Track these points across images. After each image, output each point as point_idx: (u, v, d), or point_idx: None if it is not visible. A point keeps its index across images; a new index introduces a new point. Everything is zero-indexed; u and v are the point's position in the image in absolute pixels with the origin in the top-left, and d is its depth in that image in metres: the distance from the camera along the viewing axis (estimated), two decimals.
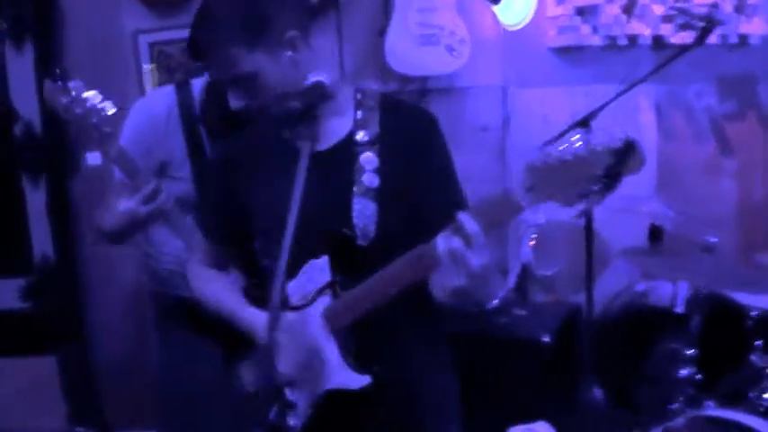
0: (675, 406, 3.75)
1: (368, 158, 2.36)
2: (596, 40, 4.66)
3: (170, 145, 3.27)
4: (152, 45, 4.45)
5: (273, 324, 2.25)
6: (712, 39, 4.23)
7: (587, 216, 3.79)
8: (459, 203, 2.38)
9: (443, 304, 2.18)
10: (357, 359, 2.35)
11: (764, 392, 3.51)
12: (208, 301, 2.68)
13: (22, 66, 4.77)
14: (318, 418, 2.43)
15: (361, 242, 2.34)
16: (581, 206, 1.92)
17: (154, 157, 3.22)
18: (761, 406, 3.45)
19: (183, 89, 3.31)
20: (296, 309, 2.43)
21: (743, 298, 3.92)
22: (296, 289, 2.41)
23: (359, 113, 2.41)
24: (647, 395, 4.24)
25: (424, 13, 4.21)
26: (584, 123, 3.79)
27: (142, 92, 4.64)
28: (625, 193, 4.49)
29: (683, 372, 3.88)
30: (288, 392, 2.45)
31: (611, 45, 4.69)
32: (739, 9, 4.77)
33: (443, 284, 2.07)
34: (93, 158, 4.56)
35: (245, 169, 2.52)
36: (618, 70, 4.56)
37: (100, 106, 2.87)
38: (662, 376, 4.15)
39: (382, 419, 2.48)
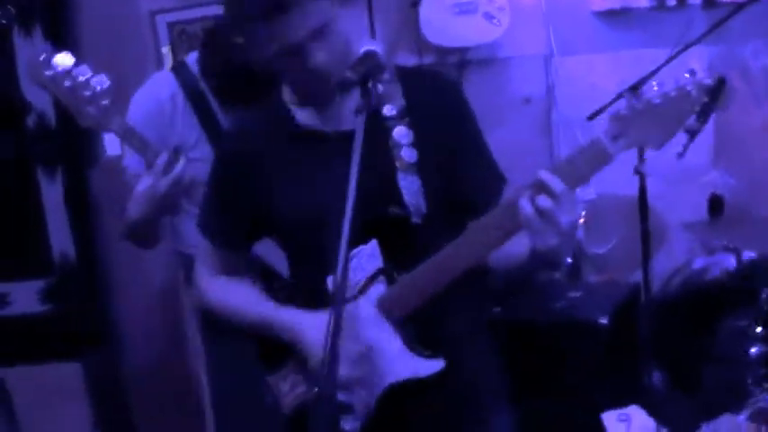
0: (747, 388, 3.67)
1: (401, 132, 2.35)
2: (643, 1, 4.63)
3: (181, 127, 3.26)
4: (171, 25, 4.41)
5: (337, 326, 2.04)
6: None
7: (641, 188, 3.78)
8: (497, 171, 2.47)
9: (502, 275, 2.23)
10: (424, 345, 2.32)
11: None
12: (233, 313, 2.60)
13: (32, 53, 4.64)
14: (378, 417, 2.41)
15: (415, 220, 2.32)
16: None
17: (167, 145, 3.18)
18: None
19: (180, 69, 3.30)
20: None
21: None
22: None
23: (379, 87, 2.32)
24: (713, 377, 4.20)
25: None
26: (633, 90, 3.79)
27: None
28: (682, 162, 4.54)
29: (754, 350, 3.82)
30: (340, 396, 2.38)
31: (660, 5, 4.66)
32: None
33: (534, 245, 2.11)
34: (112, 147, 4.49)
35: (263, 161, 2.44)
36: (667, 32, 4.49)
37: (92, 80, 2.87)
38: (730, 356, 4.11)
39: (442, 407, 2.46)
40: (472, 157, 2.45)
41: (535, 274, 3.51)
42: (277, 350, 2.50)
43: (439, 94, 2.45)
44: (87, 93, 2.86)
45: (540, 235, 2.05)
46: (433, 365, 2.31)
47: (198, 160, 3.20)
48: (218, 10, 4.21)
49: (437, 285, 2.25)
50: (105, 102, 2.90)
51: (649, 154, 3.70)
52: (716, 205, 4.03)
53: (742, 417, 2.73)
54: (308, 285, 2.46)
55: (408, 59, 4.38)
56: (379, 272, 2.33)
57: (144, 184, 3.01)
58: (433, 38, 4.29)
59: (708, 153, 4.83)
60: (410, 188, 2.32)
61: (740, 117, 4.83)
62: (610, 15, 4.66)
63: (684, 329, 4.42)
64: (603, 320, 3.94)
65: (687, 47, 3.94)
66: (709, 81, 1.95)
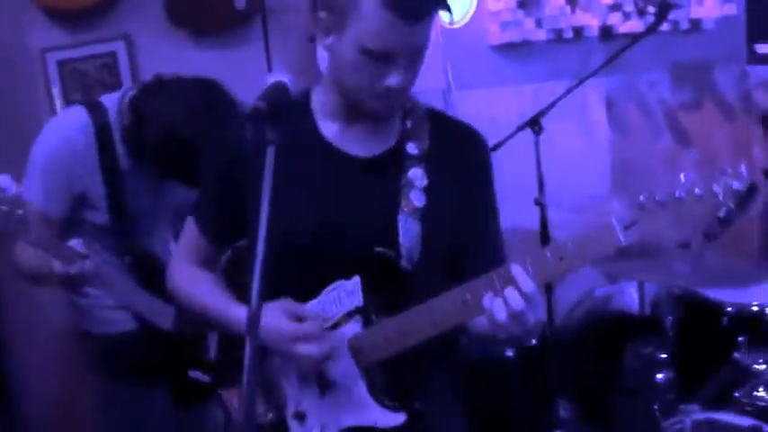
0: (655, 415, 3.79)
1: (417, 174, 2.26)
2: (541, 35, 4.69)
3: (91, 171, 3.09)
4: (61, 63, 4.28)
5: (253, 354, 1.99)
6: (663, 26, 4.29)
7: (542, 219, 3.82)
8: (500, 243, 2.38)
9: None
10: (389, 396, 2.25)
11: (755, 390, 3.54)
12: (195, 303, 2.49)
13: None
14: None
15: (404, 265, 2.21)
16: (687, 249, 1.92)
17: (75, 188, 3.05)
18: (750, 405, 3.47)
19: (95, 108, 3.12)
20: None
21: (716, 294, 3.94)
22: (316, 311, 2.25)
23: (408, 122, 2.31)
24: (622, 408, 4.28)
25: None
26: (533, 123, 3.84)
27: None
28: (580, 191, 4.61)
29: (660, 376, 3.92)
30: (293, 426, 2.34)
31: (557, 38, 4.73)
32: None
33: (494, 335, 2.04)
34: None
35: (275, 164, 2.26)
36: (566, 65, 4.60)
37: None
38: (637, 385, 4.20)
39: None
40: (481, 220, 2.37)
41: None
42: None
43: (466, 146, 2.37)
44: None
45: (499, 329, 1.99)
46: (394, 418, 2.23)
47: (103, 208, 3.13)
48: (109, 47, 4.17)
49: (416, 338, 2.16)
50: (20, 212, 2.73)
51: (548, 184, 3.78)
52: None
53: None
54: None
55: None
56: (357, 310, 2.24)
57: (40, 263, 2.88)
58: None
59: (607, 182, 4.93)
60: (408, 232, 2.22)
61: (638, 147, 4.96)
62: (508, 49, 4.69)
63: (590, 359, 4.49)
64: (509, 353, 3.97)
65: (584, 79, 4.00)
66: (740, 186, 1.81)
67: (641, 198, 1.87)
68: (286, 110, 2.06)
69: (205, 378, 3.37)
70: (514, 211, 3.02)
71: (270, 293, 2.20)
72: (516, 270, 1.95)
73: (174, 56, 4.23)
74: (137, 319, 3.24)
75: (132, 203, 3.17)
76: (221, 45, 4.32)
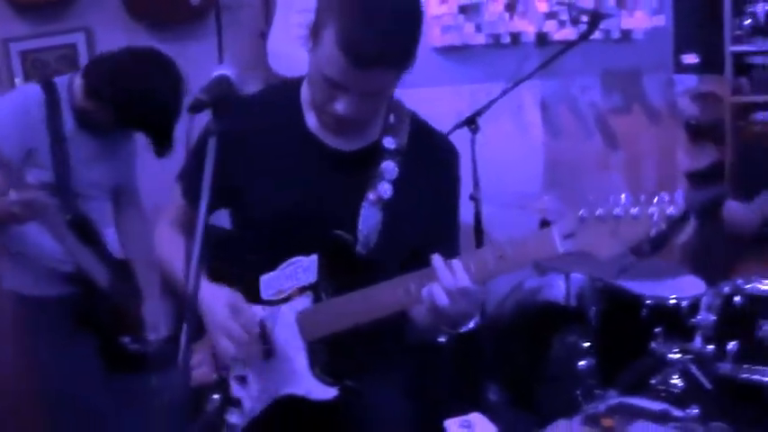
0: (577, 400, 3.91)
1: (388, 167, 2.33)
2: (480, 39, 4.84)
3: (40, 132, 3.29)
4: (24, 53, 4.31)
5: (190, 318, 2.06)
6: (596, 34, 4.43)
7: (477, 214, 3.95)
8: (455, 244, 2.46)
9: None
10: (325, 371, 2.32)
11: (669, 378, 3.68)
12: (165, 262, 2.54)
13: None
14: (263, 421, 2.39)
15: (359, 250, 2.31)
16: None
17: (26, 142, 3.24)
18: (664, 392, 3.60)
19: (48, 84, 3.35)
20: (265, 303, 2.37)
21: (637, 287, 4.09)
22: (271, 282, 2.35)
23: (391, 117, 2.38)
24: (547, 394, 4.41)
25: (305, 13, 4.25)
26: (470, 122, 3.97)
27: None
28: (513, 189, 4.72)
29: (582, 364, 4.05)
30: (235, 388, 2.40)
31: (496, 43, 4.87)
32: (622, 4, 5.06)
33: (433, 324, 2.19)
34: None
35: (261, 146, 2.38)
36: (503, 68, 4.72)
37: None
38: (561, 372, 4.34)
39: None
40: (443, 219, 2.46)
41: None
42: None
43: (439, 152, 2.45)
44: None
45: (429, 318, 2.14)
46: (326, 392, 2.30)
47: (48, 167, 3.29)
48: (70, 39, 4.24)
49: (358, 319, 2.24)
50: None
51: (483, 180, 3.91)
52: None
53: (575, 421, 2.85)
54: (246, 275, 2.41)
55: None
56: (310, 287, 2.31)
57: None
58: (280, 68, 4.32)
59: (540, 181, 5.07)
60: (368, 220, 2.31)
61: (570, 148, 5.13)
62: (449, 51, 4.83)
63: (519, 347, 4.62)
64: (442, 339, 4.04)
65: (519, 82, 4.12)
66: (674, 212, 1.91)
67: (582, 212, 1.96)
68: (235, 101, 2.14)
69: (135, 346, 3.48)
70: None
71: (237, 262, 2.41)
72: (457, 265, 2.06)
73: None
74: (72, 281, 3.34)
75: (75, 168, 3.35)
76: (177, 39, 4.31)
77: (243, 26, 4.46)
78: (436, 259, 2.10)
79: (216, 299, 2.30)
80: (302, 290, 2.32)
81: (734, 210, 4.34)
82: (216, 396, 2.35)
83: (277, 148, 2.36)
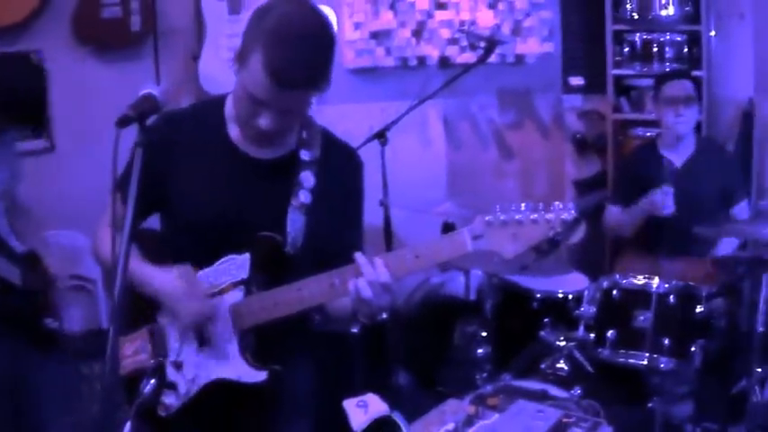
0: (476, 382, 4.15)
1: (307, 176, 2.45)
2: (390, 62, 5.11)
3: None
4: None
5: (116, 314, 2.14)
6: (493, 58, 4.66)
7: (386, 218, 4.07)
8: (361, 243, 2.59)
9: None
10: (256, 357, 2.44)
11: (557, 362, 3.93)
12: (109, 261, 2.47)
13: None
14: (195, 402, 2.47)
15: (288, 249, 2.43)
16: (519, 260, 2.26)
17: None
18: (552, 375, 3.84)
19: None
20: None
21: (529, 282, 4.42)
22: (207, 277, 2.44)
23: (304, 133, 2.49)
24: (451, 375, 4.68)
25: (233, 39, 4.39)
26: (380, 135, 4.11)
27: None
28: (420, 196, 4.95)
29: (481, 351, 4.32)
30: (171, 373, 2.46)
31: (403, 65, 5.15)
32: (516, 32, 5.37)
33: (353, 313, 2.37)
34: None
35: (188, 155, 2.47)
36: (409, 87, 4.90)
37: None
38: (463, 357, 4.61)
39: (255, 413, 2.57)
40: (352, 221, 2.62)
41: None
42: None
43: (349, 160, 2.62)
44: None
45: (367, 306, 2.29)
46: (256, 375, 2.42)
47: None
48: None
49: (286, 310, 2.38)
50: None
51: (392, 188, 4.10)
52: (448, 231, 4.35)
53: (465, 401, 2.96)
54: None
55: None
56: (242, 282, 2.42)
57: None
58: (210, 87, 4.44)
59: (443, 187, 5.34)
60: (294, 223, 2.44)
61: (469, 158, 5.45)
62: (361, 72, 5.09)
63: (425, 336, 4.87)
64: (355, 330, 4.29)
65: (424, 100, 4.31)
66: (569, 218, 2.16)
67: (489, 217, 2.19)
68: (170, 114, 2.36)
69: (54, 324, 3.56)
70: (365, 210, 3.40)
71: (175, 261, 2.46)
72: (379, 262, 2.25)
73: (78, 69, 4.37)
74: None
75: None
76: (119, 60, 4.43)
77: (177, 50, 4.59)
78: (359, 257, 2.27)
79: (167, 274, 2.41)
80: (235, 284, 2.43)
81: (614, 213, 4.68)
82: (152, 380, 2.37)
83: (203, 156, 2.46)
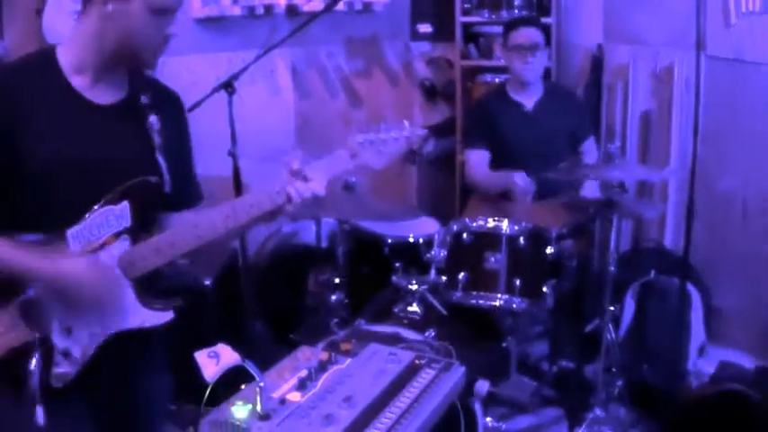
0: (331, 328, 4.10)
1: (154, 119, 2.44)
2: (237, 11, 4.95)
3: None
4: None
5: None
6: (341, 6, 4.66)
7: (235, 168, 4.00)
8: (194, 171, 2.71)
9: None
10: (158, 299, 2.43)
11: (408, 306, 3.90)
12: None
13: None
14: (94, 363, 2.38)
15: (167, 190, 2.45)
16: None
17: None
18: (405, 318, 3.82)
19: None
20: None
21: (379, 228, 4.40)
22: (79, 235, 2.32)
23: (135, 78, 2.49)
24: (306, 322, 4.68)
25: None
26: (227, 85, 4.00)
27: None
28: (268, 144, 4.88)
29: (335, 297, 4.27)
30: (60, 340, 2.34)
31: (250, 14, 4.99)
32: None
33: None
34: None
35: (29, 109, 2.34)
36: (257, 37, 4.77)
37: None
38: (317, 304, 4.61)
39: (154, 355, 2.61)
40: (190, 157, 2.67)
41: None
42: None
43: (177, 106, 2.65)
44: None
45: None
46: (161, 317, 2.43)
47: None
48: None
49: (184, 249, 2.39)
50: None
51: (241, 138, 4.02)
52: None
53: (318, 347, 2.81)
54: (45, 237, 2.35)
55: None
56: (126, 231, 2.37)
57: None
58: (54, 40, 4.13)
59: (292, 136, 5.30)
60: (162, 164, 2.45)
61: (318, 107, 5.38)
62: (208, 22, 4.92)
63: (279, 285, 4.84)
64: (207, 282, 4.22)
65: (270, 48, 4.22)
66: (423, 133, 2.52)
67: (360, 138, 2.47)
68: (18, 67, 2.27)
69: None
70: (211, 161, 3.27)
71: (41, 218, 2.34)
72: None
73: None
74: None
75: None
76: None
77: (19, 4, 4.30)
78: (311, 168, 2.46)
79: (77, 266, 2.29)
80: (117, 234, 2.36)
81: (476, 159, 4.71)
82: (36, 354, 2.25)
83: (50, 109, 2.36)
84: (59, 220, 2.31)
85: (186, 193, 2.59)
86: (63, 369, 2.35)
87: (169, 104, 2.58)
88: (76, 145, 2.35)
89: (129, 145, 2.41)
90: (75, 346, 2.36)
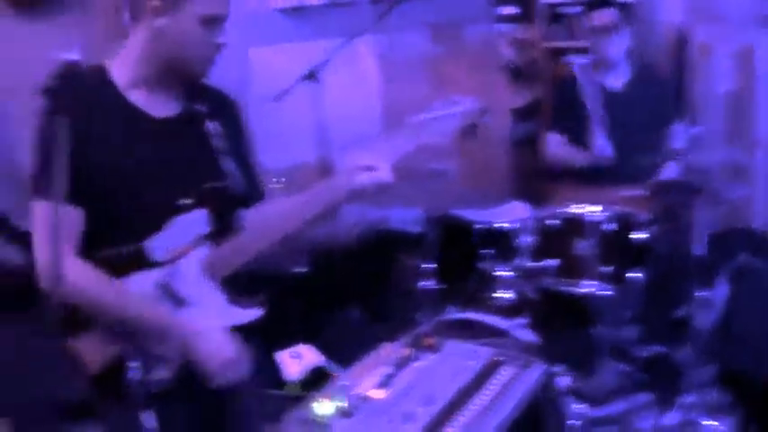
0: (421, 314, 4.11)
1: (212, 126, 2.49)
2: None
3: None
4: None
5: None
6: None
7: (321, 158, 4.06)
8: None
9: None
10: (244, 297, 2.48)
11: (498, 293, 3.93)
12: (106, 306, 2.35)
13: None
14: (188, 365, 2.39)
15: (236, 193, 2.49)
16: None
17: None
18: (492, 306, 3.85)
19: None
20: (159, 264, 2.38)
21: (468, 214, 4.36)
22: (159, 244, 2.36)
23: (191, 87, 2.52)
24: (397, 308, 4.62)
25: None
26: (311, 75, 4.06)
27: None
28: (356, 132, 4.85)
29: (425, 284, 4.28)
30: (155, 347, 2.37)
31: (332, 3, 4.99)
32: None
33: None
34: None
35: (91, 127, 2.33)
36: (339, 25, 4.79)
37: None
38: (407, 289, 4.53)
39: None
40: (251, 164, 2.68)
41: None
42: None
43: (234, 107, 2.68)
44: None
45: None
46: (252, 314, 2.47)
47: None
48: None
49: (266, 244, 2.45)
50: None
51: (326, 126, 4.05)
52: None
53: (401, 342, 2.72)
54: (124, 251, 2.37)
55: None
56: (205, 236, 2.42)
57: None
58: None
59: (378, 123, 5.30)
60: (229, 168, 2.49)
61: (403, 94, 5.28)
62: (291, 12, 4.91)
63: (369, 272, 4.79)
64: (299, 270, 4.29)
65: (355, 36, 4.24)
66: (475, 106, 2.68)
67: (416, 120, 2.58)
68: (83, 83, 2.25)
69: None
70: (297, 150, 3.28)
71: (117, 234, 2.36)
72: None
73: None
74: None
75: None
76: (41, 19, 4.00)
77: (93, 8, 4.22)
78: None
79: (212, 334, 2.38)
80: (196, 241, 2.41)
81: (555, 143, 4.71)
82: (135, 364, 2.26)
83: (113, 127, 2.37)
84: (135, 234, 2.35)
85: (251, 192, 2.61)
86: (162, 373, 2.38)
87: (225, 108, 2.62)
88: (146, 160, 2.38)
89: (194, 154, 2.47)
90: (168, 352, 2.39)
